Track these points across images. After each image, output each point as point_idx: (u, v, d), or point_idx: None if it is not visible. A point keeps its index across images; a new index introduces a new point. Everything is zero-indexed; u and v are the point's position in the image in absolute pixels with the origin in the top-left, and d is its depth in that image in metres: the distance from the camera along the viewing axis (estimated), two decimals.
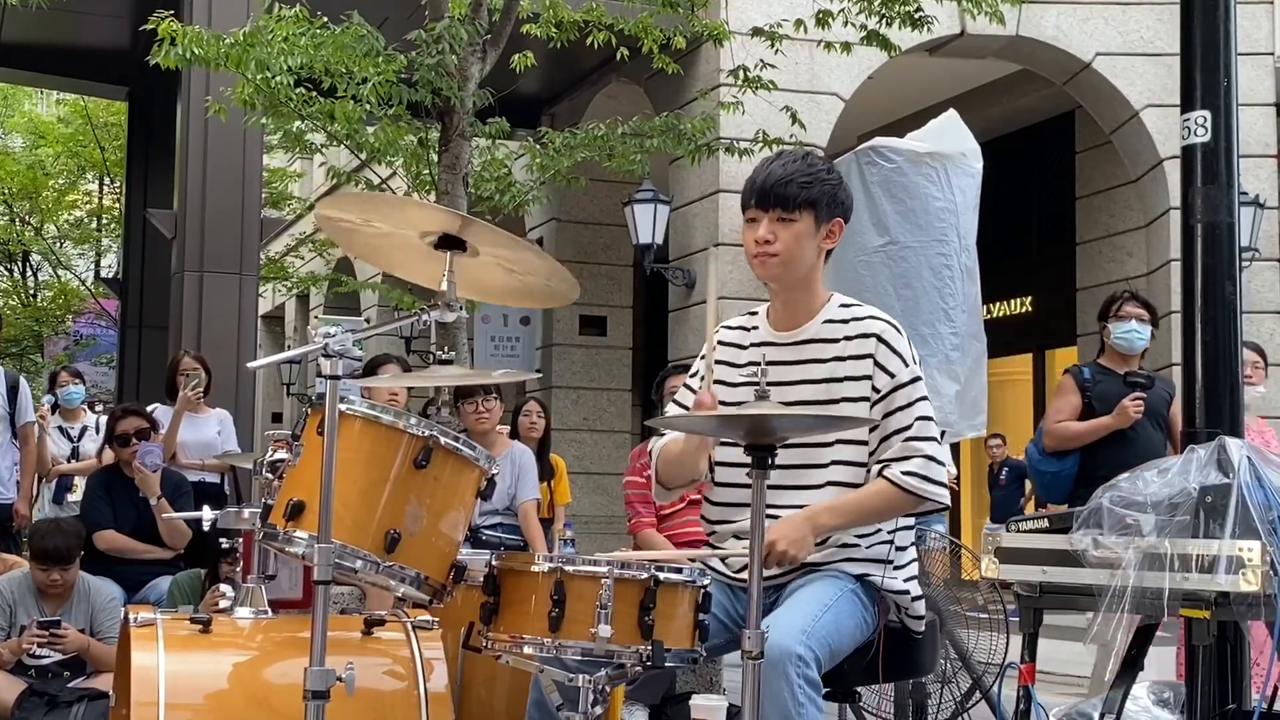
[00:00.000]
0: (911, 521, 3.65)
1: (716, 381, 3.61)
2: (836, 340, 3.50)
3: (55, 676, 5.54)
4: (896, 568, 3.53)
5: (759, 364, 3.13)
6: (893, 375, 3.44)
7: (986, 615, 6.19)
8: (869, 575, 3.48)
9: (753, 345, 3.63)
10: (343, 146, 11.35)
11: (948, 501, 3.48)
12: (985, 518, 18.31)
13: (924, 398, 3.47)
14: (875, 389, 3.44)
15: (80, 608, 5.73)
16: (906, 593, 3.55)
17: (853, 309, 3.56)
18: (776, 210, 3.46)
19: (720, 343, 3.69)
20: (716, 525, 3.66)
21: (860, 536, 3.49)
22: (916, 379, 3.46)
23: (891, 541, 3.52)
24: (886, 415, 3.42)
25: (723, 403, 3.56)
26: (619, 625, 3.11)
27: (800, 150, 3.61)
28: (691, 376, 3.74)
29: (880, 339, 3.46)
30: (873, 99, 14.53)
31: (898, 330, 3.51)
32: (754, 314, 3.71)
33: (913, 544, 3.67)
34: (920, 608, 3.60)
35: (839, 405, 3.44)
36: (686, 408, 3.62)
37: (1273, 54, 14.50)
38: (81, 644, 5.55)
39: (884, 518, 3.48)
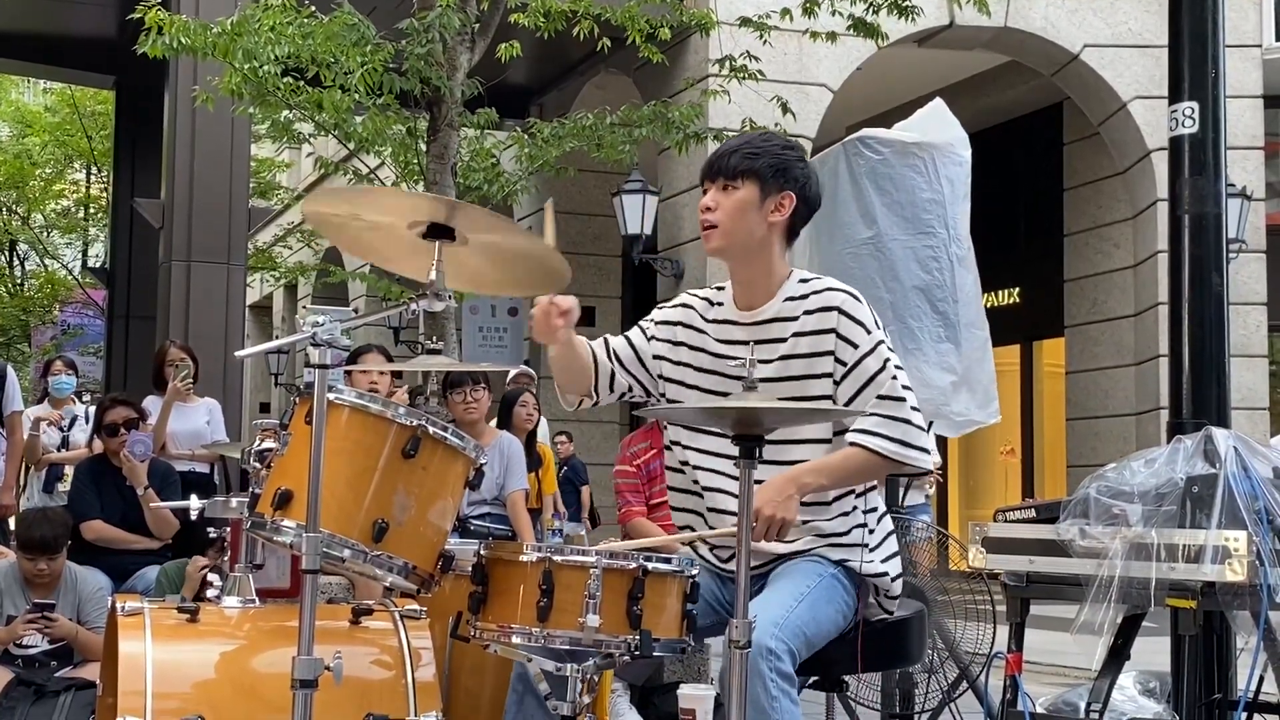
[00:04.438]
0: (880, 505, 3.64)
1: (679, 363, 3.60)
2: (796, 317, 3.47)
3: (42, 666, 5.53)
4: (872, 550, 3.53)
5: (746, 358, 3.12)
6: (856, 346, 3.41)
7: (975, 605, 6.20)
8: (848, 561, 3.47)
9: (713, 321, 3.60)
10: (330, 136, 11.33)
11: (928, 464, 3.44)
12: (973, 507, 18.38)
13: (890, 359, 3.43)
14: (840, 361, 3.41)
15: (67, 597, 5.72)
16: (885, 574, 3.54)
17: (811, 284, 3.51)
18: (720, 180, 3.47)
19: (683, 305, 3.66)
20: (697, 515, 3.65)
21: (840, 516, 3.49)
22: (880, 343, 3.42)
23: (865, 525, 3.52)
24: (863, 386, 3.40)
25: (687, 384, 3.56)
26: (607, 615, 3.11)
27: (766, 132, 3.60)
28: (642, 324, 3.73)
29: (841, 310, 3.43)
30: (861, 90, 14.54)
31: (857, 299, 3.47)
32: (721, 289, 3.68)
33: (885, 517, 3.65)
34: (897, 588, 3.60)
35: (801, 383, 3.42)
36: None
37: (1260, 46, 14.54)
38: (70, 631, 5.54)
39: (863, 480, 3.46)
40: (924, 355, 5.59)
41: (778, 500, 3.23)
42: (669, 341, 3.64)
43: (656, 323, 3.67)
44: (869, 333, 3.43)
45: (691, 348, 3.60)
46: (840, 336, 3.42)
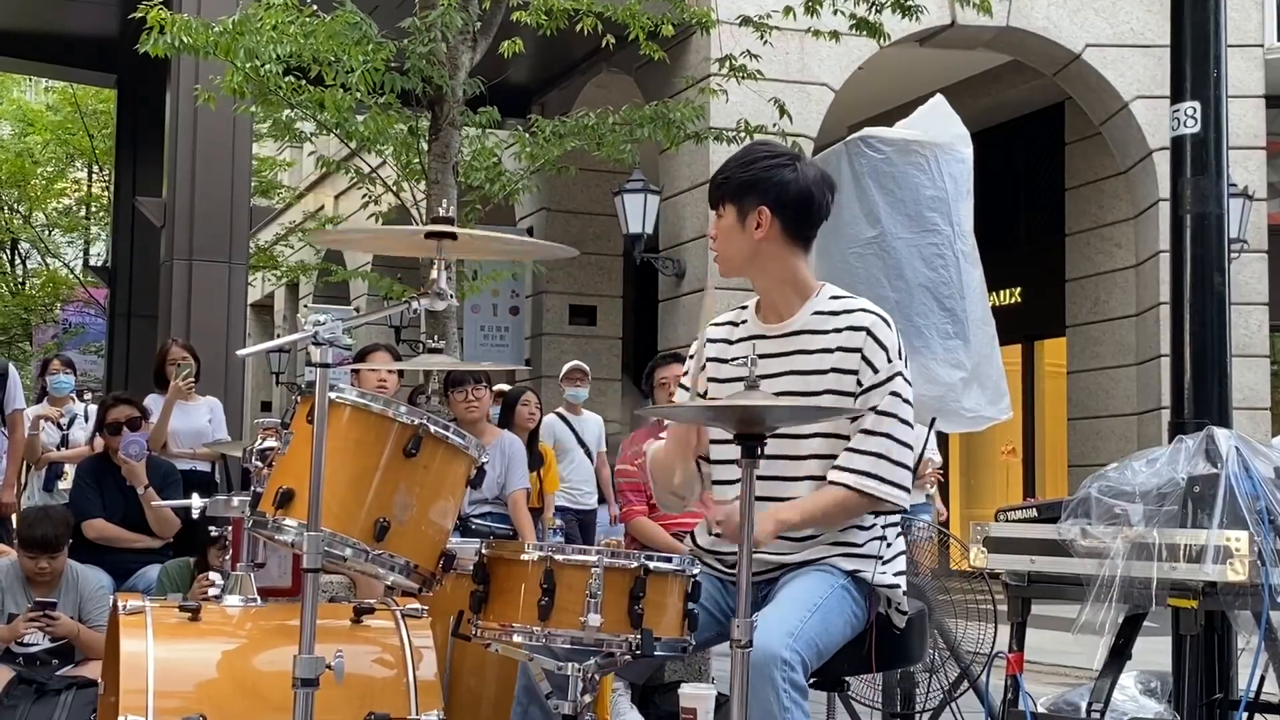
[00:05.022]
0: (897, 516, 3.65)
1: (710, 380, 3.63)
2: (826, 332, 3.49)
3: (43, 664, 5.53)
4: (885, 563, 3.53)
5: (748, 355, 3.13)
6: (876, 370, 3.43)
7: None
8: (861, 571, 3.47)
9: (740, 340, 3.63)
10: (332, 135, 11.32)
11: (904, 504, 3.44)
12: (974, 507, 18.37)
13: (898, 394, 3.43)
14: (859, 383, 3.43)
15: (69, 596, 5.72)
16: (897, 586, 3.55)
17: (844, 301, 3.54)
18: (712, 208, 3.58)
19: (709, 340, 3.69)
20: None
21: (860, 529, 3.49)
22: (896, 374, 3.44)
23: (883, 538, 3.52)
24: (866, 411, 3.41)
25: (715, 399, 3.57)
26: (608, 614, 3.12)
27: (753, 143, 3.61)
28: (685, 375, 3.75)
29: (869, 332, 3.45)
30: (863, 89, 14.53)
31: (887, 324, 3.49)
32: (744, 308, 3.72)
33: (899, 536, 3.66)
34: (906, 602, 3.60)
35: (822, 397, 3.42)
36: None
37: (1262, 45, 14.53)
38: (71, 629, 5.54)
39: (841, 521, 3.45)
40: (932, 353, 5.58)
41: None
42: (710, 381, 3.66)
43: (697, 372, 3.67)
44: (890, 361, 3.44)
45: (721, 381, 3.61)
46: (864, 358, 3.44)
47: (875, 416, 3.40)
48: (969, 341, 5.70)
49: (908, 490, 3.43)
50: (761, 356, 3.42)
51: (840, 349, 3.46)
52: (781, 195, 3.48)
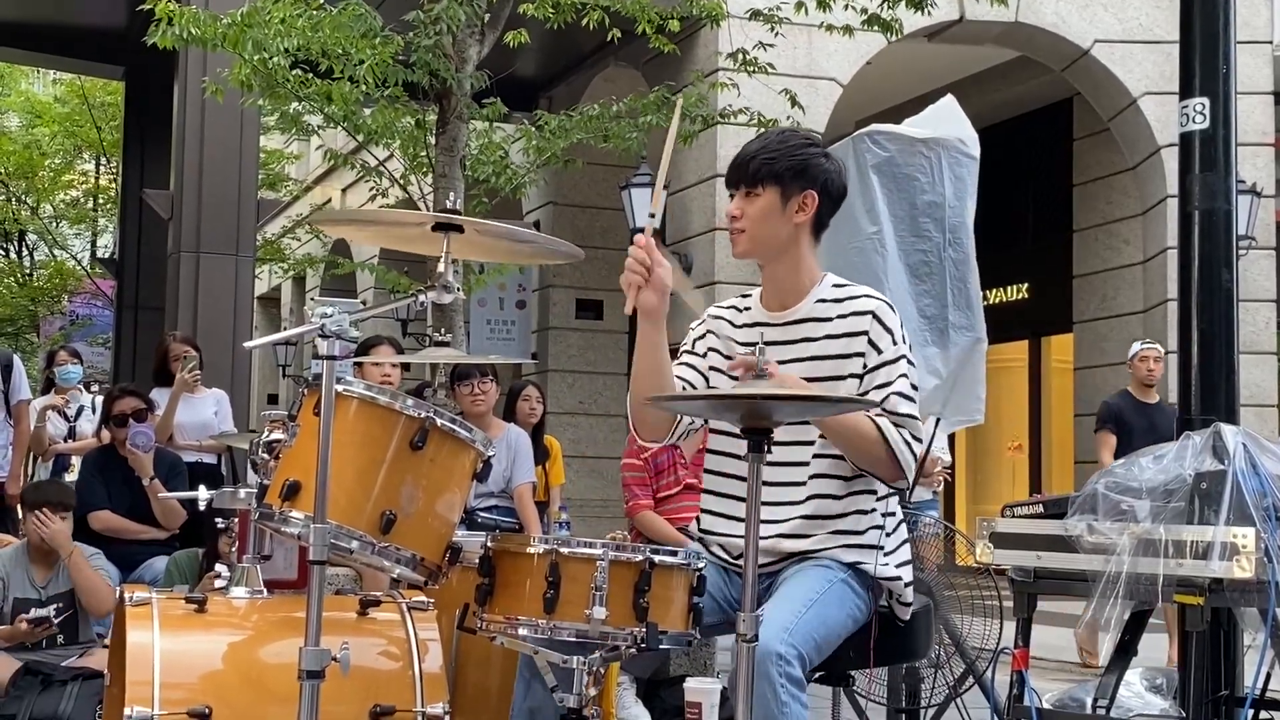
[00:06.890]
0: (898, 512, 3.64)
1: (711, 369, 3.63)
2: (830, 319, 3.49)
3: (49, 645, 5.55)
4: (887, 554, 3.52)
5: (756, 344, 3.12)
6: (881, 352, 3.42)
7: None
8: (862, 563, 3.47)
9: (745, 326, 3.62)
10: (340, 128, 11.33)
11: (910, 473, 3.40)
12: (980, 503, 18.37)
13: (908, 375, 3.43)
14: (865, 365, 3.43)
15: (67, 571, 5.74)
16: (899, 579, 3.54)
17: (847, 288, 3.54)
18: (743, 187, 3.51)
19: (709, 316, 3.69)
20: (714, 515, 3.65)
21: (857, 514, 3.48)
22: (902, 357, 3.43)
23: (882, 527, 3.51)
24: (872, 390, 3.40)
25: (717, 388, 3.57)
26: (614, 607, 3.11)
27: (784, 126, 3.59)
28: (686, 353, 3.74)
29: (875, 316, 3.45)
30: (871, 84, 14.52)
31: (891, 308, 3.49)
32: (747, 296, 3.71)
33: (901, 524, 3.65)
34: (910, 594, 3.59)
35: (831, 384, 3.43)
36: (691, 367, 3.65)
37: (1271, 42, 14.51)
38: (63, 540, 5.63)
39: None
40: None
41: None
42: (706, 353, 3.67)
43: (696, 339, 3.70)
44: (895, 343, 3.44)
45: (726, 356, 3.60)
46: (870, 341, 3.44)
47: (902, 381, 3.39)
48: (948, 349, 5.72)
49: (915, 459, 3.39)
50: (767, 344, 3.42)
51: (846, 334, 3.46)
52: (828, 184, 3.51)
